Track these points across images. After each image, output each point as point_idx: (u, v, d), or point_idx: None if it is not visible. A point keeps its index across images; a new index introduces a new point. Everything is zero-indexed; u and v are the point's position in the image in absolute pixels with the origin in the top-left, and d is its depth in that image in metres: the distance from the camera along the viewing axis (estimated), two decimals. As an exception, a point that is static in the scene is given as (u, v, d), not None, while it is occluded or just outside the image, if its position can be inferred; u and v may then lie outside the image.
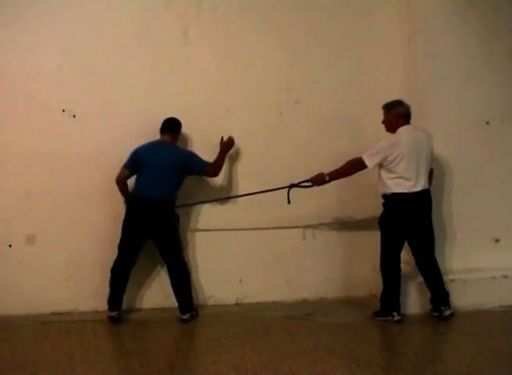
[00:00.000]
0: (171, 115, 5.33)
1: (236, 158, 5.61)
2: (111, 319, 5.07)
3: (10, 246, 5.25)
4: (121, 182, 5.24)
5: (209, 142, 5.48)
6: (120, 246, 5.15)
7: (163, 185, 5.12)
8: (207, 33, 5.54)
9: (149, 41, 5.43)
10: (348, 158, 5.24)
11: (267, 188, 5.39)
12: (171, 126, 5.28)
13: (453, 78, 5.58)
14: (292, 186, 5.28)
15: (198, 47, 5.53)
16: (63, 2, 5.29)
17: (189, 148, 5.49)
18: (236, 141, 5.56)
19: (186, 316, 5.17)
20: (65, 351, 4.46)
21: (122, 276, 5.15)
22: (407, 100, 5.31)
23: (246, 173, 5.59)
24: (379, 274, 5.39)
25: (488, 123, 5.66)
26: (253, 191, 5.40)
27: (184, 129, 5.39)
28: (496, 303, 5.37)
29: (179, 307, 5.22)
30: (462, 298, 5.18)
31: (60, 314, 5.25)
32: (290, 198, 5.24)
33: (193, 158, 5.31)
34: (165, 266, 5.33)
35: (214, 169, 5.36)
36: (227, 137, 5.42)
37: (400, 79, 5.75)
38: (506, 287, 5.43)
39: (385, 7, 5.81)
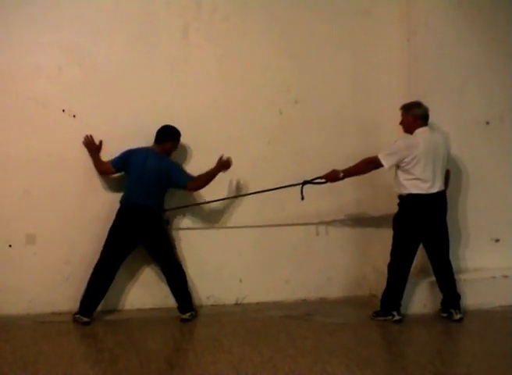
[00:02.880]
0: (170, 115, 5.34)
1: (235, 158, 5.59)
2: (83, 323, 5.00)
3: (10, 246, 5.24)
4: (103, 173, 5.29)
5: (209, 142, 5.48)
6: (107, 252, 5.11)
7: (151, 193, 5.14)
8: (207, 33, 5.54)
9: (149, 41, 5.43)
10: (348, 158, 5.26)
11: (266, 188, 5.39)
12: (159, 136, 5.26)
13: (453, 78, 5.59)
14: (305, 182, 5.27)
15: (198, 47, 5.52)
16: (63, 2, 5.28)
17: (188, 148, 5.49)
18: (235, 141, 5.56)
19: (186, 316, 5.17)
20: (65, 351, 4.47)
21: (104, 283, 5.11)
22: (406, 100, 5.33)
23: (245, 173, 5.58)
24: (380, 274, 5.41)
25: (488, 123, 5.67)
26: (252, 191, 5.40)
27: (183, 129, 5.38)
28: (496, 303, 5.38)
29: (179, 307, 5.22)
30: (462, 298, 5.18)
31: (60, 314, 5.24)
32: (304, 194, 5.24)
33: (175, 170, 5.24)
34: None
35: (198, 184, 5.24)
36: (226, 157, 5.28)
37: (399, 79, 5.76)
38: (506, 287, 5.44)
39: (385, 7, 5.81)
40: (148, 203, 5.13)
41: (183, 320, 5.16)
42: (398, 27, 5.78)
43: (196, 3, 5.50)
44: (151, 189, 5.13)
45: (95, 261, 5.18)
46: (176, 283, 5.25)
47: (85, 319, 5.01)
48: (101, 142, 5.30)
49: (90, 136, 5.27)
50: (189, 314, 5.19)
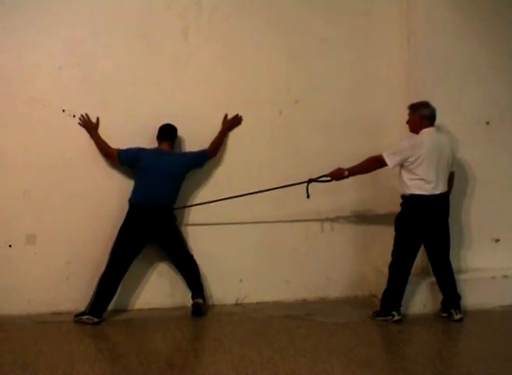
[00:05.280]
0: (171, 115, 5.34)
1: (236, 158, 5.61)
2: (93, 323, 4.99)
3: (10, 246, 5.24)
4: (107, 156, 5.29)
5: (209, 142, 5.46)
6: (117, 253, 5.10)
7: (169, 193, 5.22)
8: (207, 33, 5.54)
9: (149, 41, 5.43)
10: (347, 158, 5.27)
11: (266, 188, 5.38)
12: (169, 135, 5.31)
13: (453, 78, 5.58)
14: (310, 181, 5.28)
15: (198, 47, 5.52)
16: (63, 2, 5.28)
17: (188, 148, 5.49)
18: (235, 141, 5.57)
19: (200, 301, 5.20)
20: (65, 351, 4.46)
21: (115, 284, 5.11)
22: (406, 100, 5.33)
23: (246, 173, 5.58)
24: (380, 274, 5.41)
25: (488, 123, 5.66)
26: (252, 191, 5.38)
27: (184, 129, 5.40)
28: (496, 303, 5.38)
29: (194, 293, 5.26)
30: (462, 298, 5.17)
31: (60, 314, 5.25)
32: (309, 192, 5.27)
33: (193, 156, 5.37)
34: (165, 266, 5.41)
35: (214, 149, 5.45)
36: (231, 115, 5.52)
37: (399, 79, 5.75)
38: (506, 287, 5.43)
39: (385, 7, 5.80)
40: (164, 203, 5.19)
41: (195, 305, 5.18)
42: (398, 27, 5.77)
43: (196, 3, 5.50)
44: (167, 189, 5.19)
45: (95, 261, 5.20)
46: (192, 274, 5.32)
47: (96, 320, 5.00)
48: (98, 119, 5.30)
49: (86, 115, 5.29)
50: (202, 299, 5.22)
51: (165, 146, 5.28)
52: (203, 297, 5.29)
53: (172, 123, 5.32)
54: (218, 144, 5.47)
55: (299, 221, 5.70)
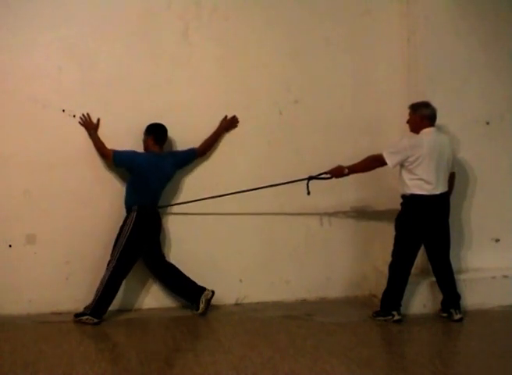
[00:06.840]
0: (170, 115, 5.35)
1: (235, 158, 5.61)
2: (94, 324, 5.00)
3: (10, 246, 5.24)
4: (103, 156, 5.28)
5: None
6: (126, 256, 5.08)
7: (161, 193, 5.32)
8: (207, 33, 5.54)
9: (149, 41, 5.43)
10: (347, 158, 5.28)
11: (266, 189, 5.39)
12: (162, 138, 5.30)
13: (453, 78, 5.58)
14: (310, 178, 5.30)
15: (198, 47, 5.52)
16: (63, 2, 5.28)
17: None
18: (236, 141, 5.57)
19: (209, 295, 5.22)
20: (65, 351, 4.46)
21: (119, 286, 5.13)
22: (406, 100, 5.33)
23: (245, 173, 5.58)
24: (380, 274, 5.41)
25: (488, 123, 5.66)
26: (246, 190, 5.40)
27: (184, 129, 5.40)
28: (495, 303, 5.38)
29: (194, 299, 5.25)
30: (462, 298, 5.18)
31: (60, 314, 5.24)
32: (310, 189, 5.29)
33: (183, 155, 5.40)
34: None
35: (204, 149, 5.46)
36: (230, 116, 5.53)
37: (400, 79, 5.75)
38: (506, 287, 5.44)
39: (386, 7, 5.80)
40: (158, 203, 5.29)
41: (210, 297, 5.20)
42: (398, 27, 5.77)
43: (196, 3, 5.50)
44: (162, 189, 5.28)
45: (95, 261, 5.20)
46: (178, 278, 5.30)
47: (96, 320, 5.00)
48: (98, 120, 5.30)
49: (87, 114, 5.28)
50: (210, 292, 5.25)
51: (157, 148, 5.28)
52: (204, 290, 5.27)
53: (162, 123, 5.29)
54: (210, 145, 5.48)
55: (299, 220, 5.70)
